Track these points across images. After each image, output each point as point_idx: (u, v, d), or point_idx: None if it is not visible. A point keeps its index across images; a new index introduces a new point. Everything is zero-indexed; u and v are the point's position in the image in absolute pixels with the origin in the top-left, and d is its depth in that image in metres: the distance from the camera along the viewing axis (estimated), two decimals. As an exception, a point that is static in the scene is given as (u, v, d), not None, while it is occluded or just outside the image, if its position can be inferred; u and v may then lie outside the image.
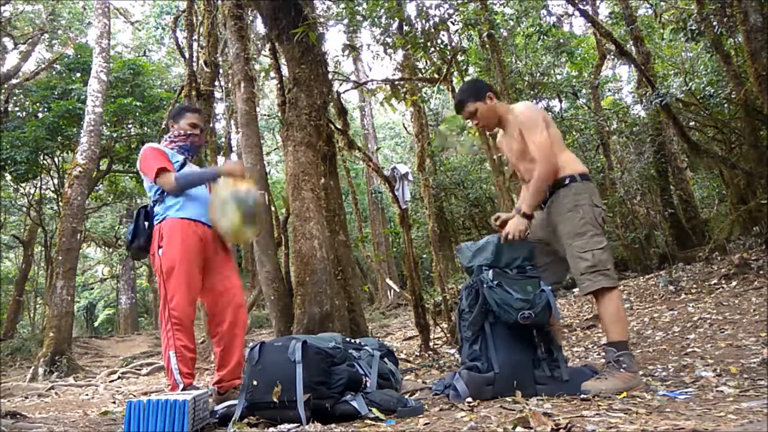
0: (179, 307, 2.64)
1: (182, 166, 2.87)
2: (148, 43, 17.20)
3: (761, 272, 5.12)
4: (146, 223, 2.78)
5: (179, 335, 2.63)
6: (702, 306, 4.63)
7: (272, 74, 5.22)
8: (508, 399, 2.26)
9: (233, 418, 2.19)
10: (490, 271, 2.47)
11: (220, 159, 14.35)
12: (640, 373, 2.48)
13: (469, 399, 2.34)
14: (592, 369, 2.49)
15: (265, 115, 17.69)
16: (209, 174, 2.91)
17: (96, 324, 22.43)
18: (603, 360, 3.15)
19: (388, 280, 11.18)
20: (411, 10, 5.14)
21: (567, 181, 2.56)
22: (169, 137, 3.01)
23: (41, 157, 11.64)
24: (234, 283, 2.89)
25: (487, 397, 2.34)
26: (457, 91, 2.90)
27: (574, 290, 8.52)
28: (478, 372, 2.42)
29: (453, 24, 5.69)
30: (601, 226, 2.53)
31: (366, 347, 2.59)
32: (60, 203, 10.77)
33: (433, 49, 5.33)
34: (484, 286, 2.45)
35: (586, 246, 2.45)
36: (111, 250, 18.11)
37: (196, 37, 7.64)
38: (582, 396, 2.20)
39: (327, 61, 4.62)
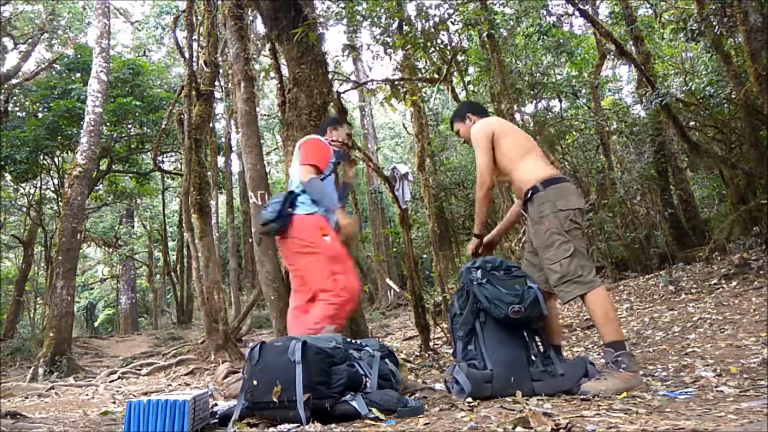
0: (350, 287, 2.95)
1: (333, 168, 3.22)
2: (148, 43, 17.21)
3: (761, 272, 5.12)
4: (290, 210, 3.05)
5: (341, 315, 2.92)
6: (702, 306, 4.63)
7: (272, 74, 5.22)
8: (508, 399, 2.26)
9: (233, 418, 2.19)
10: (479, 271, 2.55)
11: (220, 159, 14.38)
12: (641, 373, 2.47)
13: (469, 399, 2.34)
14: (588, 361, 2.49)
15: (265, 115, 17.71)
16: (333, 201, 3.11)
17: (96, 324, 22.43)
18: (603, 361, 3.15)
19: (388, 280, 11.18)
20: (411, 10, 5.13)
21: (530, 194, 2.59)
22: (331, 140, 3.33)
23: (41, 157, 11.65)
24: None
25: (486, 395, 2.35)
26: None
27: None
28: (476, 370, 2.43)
29: (453, 24, 5.70)
30: (573, 228, 2.48)
31: (366, 347, 2.59)
32: (60, 203, 10.77)
33: (433, 49, 5.33)
34: (474, 284, 2.51)
35: (554, 257, 2.47)
36: (111, 250, 18.12)
37: (196, 37, 7.63)
38: (581, 396, 2.20)
39: (327, 61, 4.61)
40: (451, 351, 4.70)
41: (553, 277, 2.48)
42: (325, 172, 3.15)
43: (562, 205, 2.50)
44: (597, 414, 1.82)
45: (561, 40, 9.76)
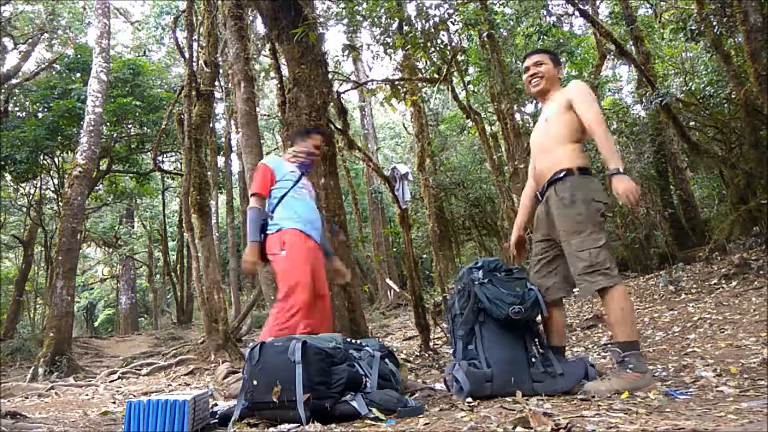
0: (299, 302, 2.87)
1: (298, 180, 3.20)
2: (148, 43, 17.21)
3: (761, 272, 5.12)
4: (262, 235, 3.09)
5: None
6: (702, 306, 4.63)
7: (272, 74, 5.22)
8: (508, 399, 2.26)
9: (233, 418, 2.19)
10: (480, 271, 2.55)
11: (220, 159, 14.39)
12: (651, 372, 2.45)
13: (470, 399, 2.35)
14: (589, 362, 2.49)
15: (265, 115, 17.72)
16: (251, 236, 3.10)
17: (96, 324, 22.42)
18: (603, 361, 3.14)
19: (388, 280, 11.18)
20: (411, 10, 5.13)
21: (563, 175, 2.51)
22: (294, 151, 3.35)
23: (41, 157, 11.65)
24: (325, 293, 3.17)
25: (486, 393, 2.36)
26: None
27: (574, 290, 8.51)
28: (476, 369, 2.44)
29: (453, 24, 5.70)
30: (602, 222, 2.45)
31: (366, 347, 2.59)
32: (60, 203, 10.77)
33: (433, 49, 5.33)
34: (475, 284, 2.50)
35: (583, 245, 2.39)
36: (111, 250, 18.12)
37: (196, 37, 7.64)
38: (581, 396, 2.20)
39: (327, 61, 4.62)
40: (451, 351, 4.70)
41: (579, 265, 2.39)
42: (286, 186, 3.15)
43: (596, 196, 2.44)
44: (597, 414, 1.82)
45: (561, 40, 9.77)
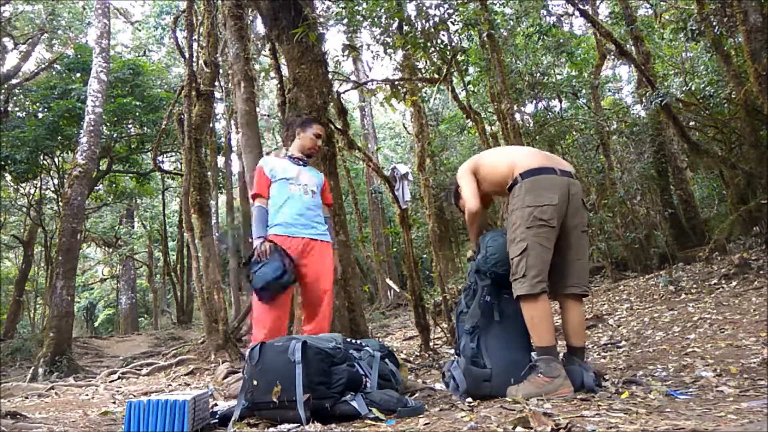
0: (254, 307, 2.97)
1: (289, 175, 3.10)
2: (148, 43, 17.21)
3: (761, 272, 5.12)
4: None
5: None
6: (702, 306, 4.63)
7: (272, 74, 5.22)
8: (508, 399, 2.26)
9: (233, 418, 2.19)
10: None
11: (220, 159, 14.38)
12: (563, 376, 2.30)
13: (470, 399, 2.35)
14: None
15: (265, 115, 17.72)
16: (257, 231, 3.04)
17: (96, 324, 22.42)
18: (604, 360, 3.15)
19: (388, 280, 11.18)
20: (411, 10, 5.13)
21: (509, 187, 2.54)
22: (294, 146, 3.26)
23: (41, 157, 11.65)
24: (325, 288, 3.05)
25: (485, 393, 2.36)
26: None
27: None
28: (476, 368, 2.45)
29: (453, 24, 5.69)
30: (536, 225, 2.38)
31: (366, 347, 2.59)
32: (60, 203, 10.77)
33: (433, 49, 5.33)
34: (479, 283, 2.59)
35: (512, 253, 2.44)
36: (111, 250, 18.13)
37: (196, 37, 7.63)
38: (581, 396, 2.20)
39: (327, 61, 4.61)
40: (451, 351, 4.70)
41: (511, 272, 2.46)
42: (277, 184, 3.08)
43: (529, 201, 2.41)
44: (597, 414, 1.82)
45: (561, 40, 9.76)
